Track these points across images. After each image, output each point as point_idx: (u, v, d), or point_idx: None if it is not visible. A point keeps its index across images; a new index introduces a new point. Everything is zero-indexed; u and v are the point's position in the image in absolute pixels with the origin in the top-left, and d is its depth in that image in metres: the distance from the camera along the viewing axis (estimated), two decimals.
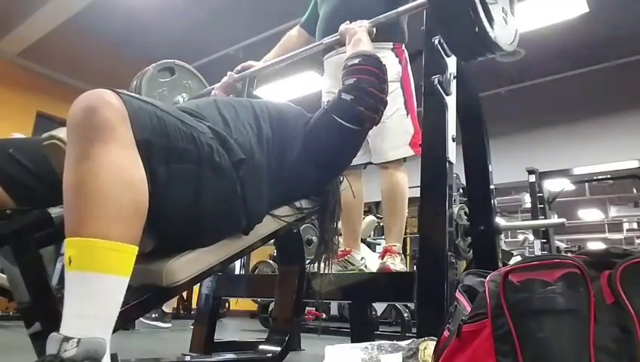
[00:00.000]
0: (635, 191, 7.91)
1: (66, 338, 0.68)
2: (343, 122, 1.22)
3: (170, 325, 4.35)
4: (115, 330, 0.75)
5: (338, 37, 1.62)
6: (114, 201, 0.75)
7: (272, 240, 1.52)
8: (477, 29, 1.17)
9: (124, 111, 0.81)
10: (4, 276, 0.92)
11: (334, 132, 1.24)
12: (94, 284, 0.72)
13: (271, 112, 1.22)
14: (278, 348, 1.61)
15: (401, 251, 1.97)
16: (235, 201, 1.02)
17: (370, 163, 2.03)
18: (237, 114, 1.14)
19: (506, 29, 1.34)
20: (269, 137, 1.16)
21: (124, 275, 0.76)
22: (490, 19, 1.22)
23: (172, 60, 1.96)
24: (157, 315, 4.33)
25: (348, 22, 1.60)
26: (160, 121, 0.89)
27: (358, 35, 1.45)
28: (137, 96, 0.89)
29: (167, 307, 4.75)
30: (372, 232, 4.93)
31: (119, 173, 0.77)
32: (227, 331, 4.52)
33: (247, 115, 1.15)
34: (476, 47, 1.25)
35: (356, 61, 1.28)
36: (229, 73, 1.98)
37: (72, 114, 0.79)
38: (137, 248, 0.78)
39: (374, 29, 1.55)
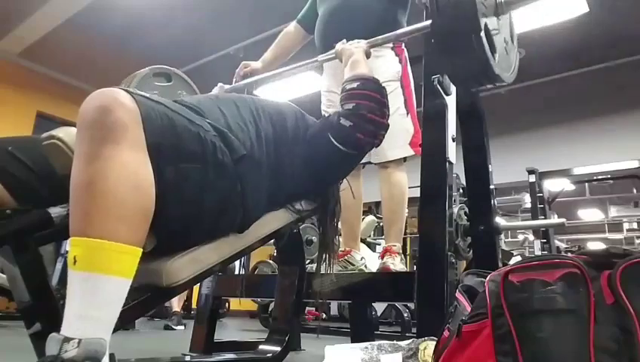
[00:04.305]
0: (635, 191, 7.90)
1: (67, 339, 0.68)
2: (340, 146, 1.20)
3: (182, 327, 4.09)
4: (114, 330, 0.75)
5: (334, 54, 1.58)
6: (122, 203, 0.75)
7: (272, 240, 1.52)
8: (479, 60, 1.14)
9: (137, 113, 0.81)
10: (4, 276, 0.92)
11: (330, 153, 1.22)
12: (99, 285, 0.72)
13: (271, 111, 1.22)
14: (278, 348, 1.60)
15: (401, 251, 1.97)
16: (234, 198, 1.02)
17: (370, 162, 2.03)
18: (237, 111, 1.13)
19: (507, 59, 1.32)
20: (269, 136, 1.16)
21: (128, 277, 0.76)
22: (493, 50, 1.19)
23: (171, 68, 1.94)
24: (174, 318, 4.18)
25: (344, 40, 1.56)
26: (170, 122, 0.89)
27: (355, 56, 1.40)
28: (148, 95, 0.89)
29: (178, 305, 4.57)
30: (372, 232, 4.92)
31: (129, 175, 0.77)
32: (227, 331, 4.52)
33: (247, 113, 1.15)
34: (478, 77, 1.22)
35: (355, 85, 1.23)
36: (234, 78, 1.98)
37: (84, 112, 0.78)
38: (142, 250, 0.79)
39: (371, 50, 1.52)
